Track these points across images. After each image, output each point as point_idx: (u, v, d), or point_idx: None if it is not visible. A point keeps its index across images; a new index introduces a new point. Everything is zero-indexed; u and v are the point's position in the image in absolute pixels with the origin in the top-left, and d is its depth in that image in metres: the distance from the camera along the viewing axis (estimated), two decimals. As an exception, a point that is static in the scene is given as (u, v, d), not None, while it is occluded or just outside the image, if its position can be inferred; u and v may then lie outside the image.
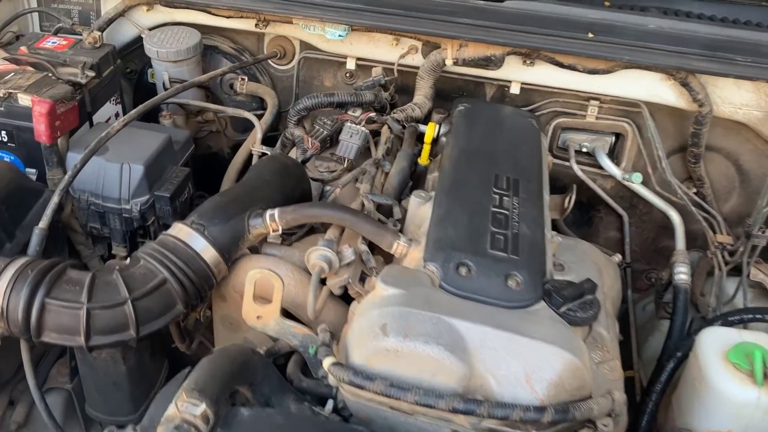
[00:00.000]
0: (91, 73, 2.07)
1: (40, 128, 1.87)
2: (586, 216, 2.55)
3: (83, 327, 1.44)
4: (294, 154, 2.17)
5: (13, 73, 1.99)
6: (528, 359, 1.32)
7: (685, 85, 2.08)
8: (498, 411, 1.27)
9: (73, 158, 1.95)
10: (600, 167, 2.35)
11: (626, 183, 2.30)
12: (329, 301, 1.69)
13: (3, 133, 1.97)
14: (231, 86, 2.43)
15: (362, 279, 1.66)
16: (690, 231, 2.25)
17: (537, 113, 2.39)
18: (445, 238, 1.57)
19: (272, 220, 1.64)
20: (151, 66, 2.43)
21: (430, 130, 2.03)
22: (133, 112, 1.84)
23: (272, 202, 1.72)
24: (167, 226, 2.08)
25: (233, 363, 1.46)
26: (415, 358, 1.35)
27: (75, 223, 2.02)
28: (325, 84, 2.52)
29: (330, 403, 1.55)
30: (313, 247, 1.58)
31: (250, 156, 2.31)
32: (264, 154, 2.22)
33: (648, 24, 2.11)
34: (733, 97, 2.12)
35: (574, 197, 2.02)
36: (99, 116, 2.20)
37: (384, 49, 2.32)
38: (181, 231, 1.60)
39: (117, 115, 2.34)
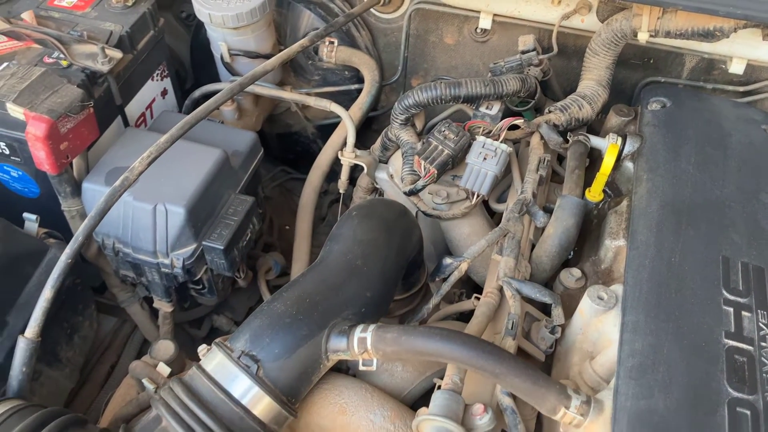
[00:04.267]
0: (117, 54, 1.45)
1: (40, 156, 1.31)
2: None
3: None
4: (397, 164, 1.52)
5: (6, 65, 1.40)
6: None
7: None
8: None
9: (92, 192, 1.39)
10: None
11: None
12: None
13: (2, 144, 1.42)
14: (316, 52, 1.75)
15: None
16: None
17: (760, 94, 1.60)
18: (648, 417, 0.93)
19: (362, 348, 1.04)
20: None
21: (610, 156, 1.30)
22: (165, 137, 1.24)
23: (365, 304, 1.12)
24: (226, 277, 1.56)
25: None
26: None
27: (105, 264, 1.51)
28: (446, 41, 1.79)
29: None
30: (424, 413, 0.98)
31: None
32: (357, 166, 1.58)
33: None
34: None
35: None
36: (137, 101, 1.61)
37: (537, 5, 1.55)
38: (220, 369, 1.03)
39: (164, 94, 1.74)
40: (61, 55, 1.44)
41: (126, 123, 1.58)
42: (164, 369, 1.21)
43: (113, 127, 1.54)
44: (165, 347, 1.31)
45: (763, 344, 1.03)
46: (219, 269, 1.42)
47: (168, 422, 1.00)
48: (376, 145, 1.62)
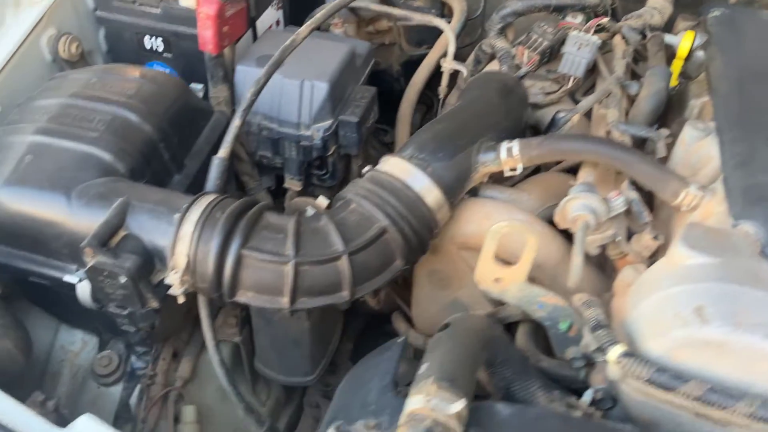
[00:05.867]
0: (257, -30, 1.71)
1: (206, 34, 1.54)
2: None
3: (289, 286, 1.12)
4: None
5: (172, -33, 1.65)
6: None
7: None
8: None
9: (244, 72, 1.62)
10: None
11: None
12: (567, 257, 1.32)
13: (158, 40, 1.65)
14: (408, -12, 2.02)
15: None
16: None
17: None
18: (755, 190, 1.15)
19: (509, 156, 1.26)
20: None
21: (687, 40, 1.56)
22: (319, 14, 1.47)
23: (503, 132, 1.34)
24: (347, 158, 1.77)
25: (478, 340, 1.12)
26: (747, 356, 0.97)
27: (241, 151, 1.71)
28: (519, -13, 2.06)
29: (588, 394, 1.19)
30: (571, 194, 1.19)
31: (433, 75, 1.94)
32: (456, 71, 1.82)
33: None
34: None
35: None
36: (261, 22, 1.85)
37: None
38: (396, 167, 1.24)
39: (278, 23, 1.98)
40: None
41: (255, 36, 1.82)
42: (323, 201, 1.40)
43: (247, 35, 1.78)
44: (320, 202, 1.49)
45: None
46: (349, 144, 1.63)
47: (357, 203, 1.20)
48: (470, 60, 1.87)
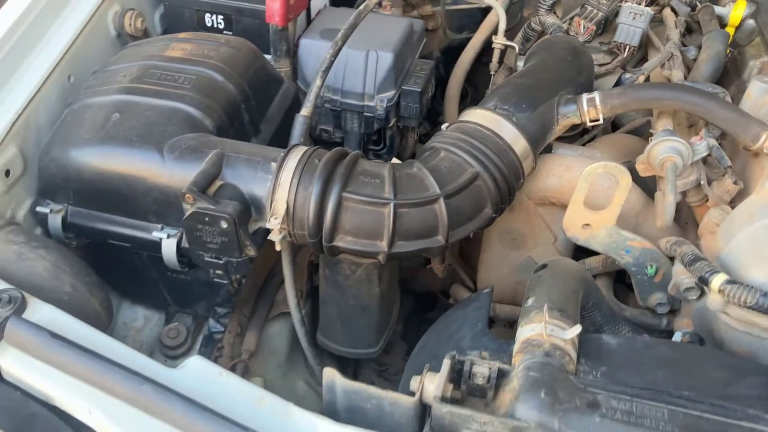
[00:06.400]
0: (315, -51, 1.75)
1: (274, 6, 1.56)
2: None
3: (388, 229, 1.13)
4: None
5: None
6: None
7: None
8: None
9: (309, 45, 1.65)
10: None
11: None
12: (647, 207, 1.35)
13: (219, 18, 1.68)
14: (452, -27, 2.07)
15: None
16: None
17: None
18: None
19: (591, 106, 1.29)
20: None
21: (739, 8, 1.61)
22: (386, -16, 1.52)
23: (579, 87, 1.37)
24: (404, 130, 1.80)
25: (576, 281, 1.14)
26: None
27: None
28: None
29: (677, 337, 1.21)
30: (655, 139, 1.22)
31: (482, 53, 1.98)
32: (508, 46, 1.87)
33: None
34: None
35: None
36: (313, 3, 1.89)
37: None
38: (483, 117, 1.27)
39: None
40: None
41: (308, 17, 1.85)
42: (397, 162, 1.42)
43: (301, 15, 1.81)
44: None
45: None
46: (411, 115, 1.66)
47: (448, 150, 1.22)
48: (518, 38, 1.91)
